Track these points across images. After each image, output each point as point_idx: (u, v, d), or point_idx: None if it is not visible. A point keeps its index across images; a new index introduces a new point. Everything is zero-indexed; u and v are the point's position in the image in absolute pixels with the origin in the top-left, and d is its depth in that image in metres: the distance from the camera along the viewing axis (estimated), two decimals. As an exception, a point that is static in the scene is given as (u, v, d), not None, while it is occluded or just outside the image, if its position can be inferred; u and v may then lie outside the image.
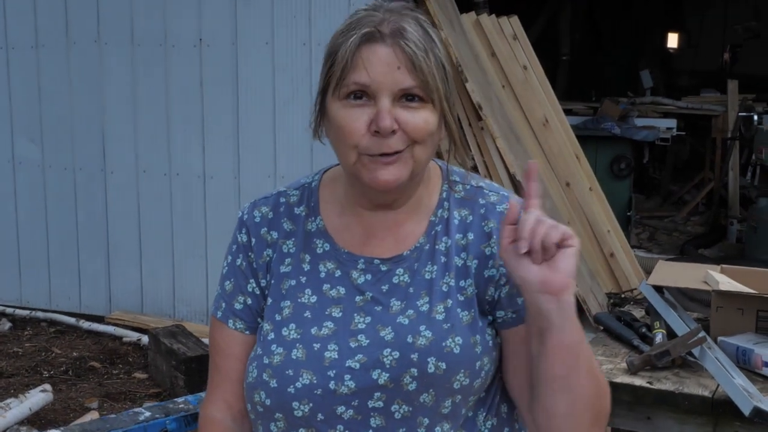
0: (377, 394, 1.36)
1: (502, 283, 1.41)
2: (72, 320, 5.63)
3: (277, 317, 1.44)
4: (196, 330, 5.05)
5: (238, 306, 1.50)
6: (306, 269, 1.47)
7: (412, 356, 1.36)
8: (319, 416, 1.38)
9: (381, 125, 1.33)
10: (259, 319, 1.49)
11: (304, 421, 1.39)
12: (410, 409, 1.37)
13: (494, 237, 1.42)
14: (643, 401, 2.20)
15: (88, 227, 5.79)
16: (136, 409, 2.41)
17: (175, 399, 2.47)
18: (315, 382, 1.37)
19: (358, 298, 1.42)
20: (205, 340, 4.84)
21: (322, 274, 1.46)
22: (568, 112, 6.20)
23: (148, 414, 2.36)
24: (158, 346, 4.72)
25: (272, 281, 1.48)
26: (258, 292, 1.50)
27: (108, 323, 5.56)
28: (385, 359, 1.36)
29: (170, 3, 5.40)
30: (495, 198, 1.47)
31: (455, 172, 1.51)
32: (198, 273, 5.55)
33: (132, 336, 5.33)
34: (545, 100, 5.78)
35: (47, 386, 4.12)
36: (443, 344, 1.36)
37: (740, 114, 6.78)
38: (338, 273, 1.45)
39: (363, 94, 1.35)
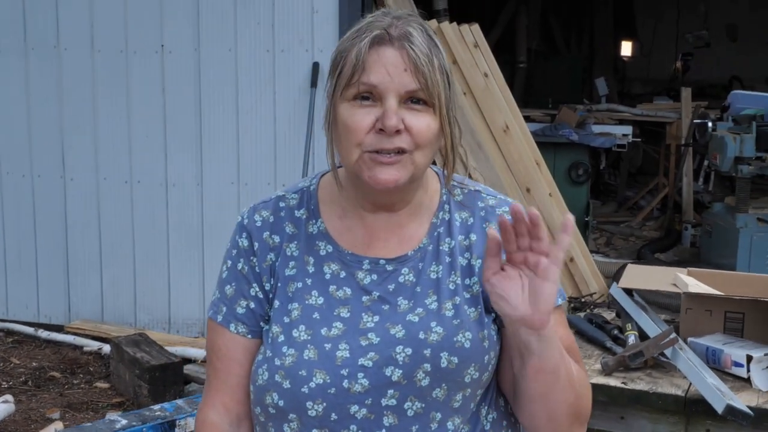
0: (390, 392, 1.40)
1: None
2: (30, 330, 5.56)
3: (286, 319, 1.46)
4: (159, 338, 5.02)
5: (240, 310, 1.51)
6: (311, 271, 1.49)
7: (425, 352, 1.40)
8: (333, 416, 1.40)
9: (387, 124, 1.36)
10: (262, 323, 1.51)
11: (318, 422, 1.41)
12: (423, 405, 1.41)
13: None
14: (618, 401, 2.26)
15: (46, 235, 5.72)
16: (113, 417, 2.40)
17: (151, 407, 2.46)
18: (328, 381, 1.40)
19: (365, 298, 1.45)
20: (170, 348, 4.82)
21: (327, 276, 1.48)
22: (526, 119, 6.27)
23: (124, 422, 2.35)
24: (121, 354, 4.69)
25: (278, 284, 1.49)
26: (261, 296, 1.51)
27: (68, 332, 5.50)
28: (398, 356, 1.40)
29: (131, 9, 5.37)
30: (493, 201, 1.52)
31: (453, 177, 1.54)
32: (160, 281, 5.52)
33: (93, 345, 5.27)
34: (506, 107, 5.85)
35: (9, 397, 4.07)
36: (454, 339, 1.41)
37: (695, 121, 6.91)
38: (343, 274, 1.48)
39: (370, 96, 1.39)
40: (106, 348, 5.09)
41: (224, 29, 5.23)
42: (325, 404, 1.40)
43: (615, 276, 6.02)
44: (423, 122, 1.39)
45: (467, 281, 1.46)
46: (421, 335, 1.40)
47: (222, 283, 1.54)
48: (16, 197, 5.76)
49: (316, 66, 5.07)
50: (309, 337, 1.43)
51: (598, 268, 6.13)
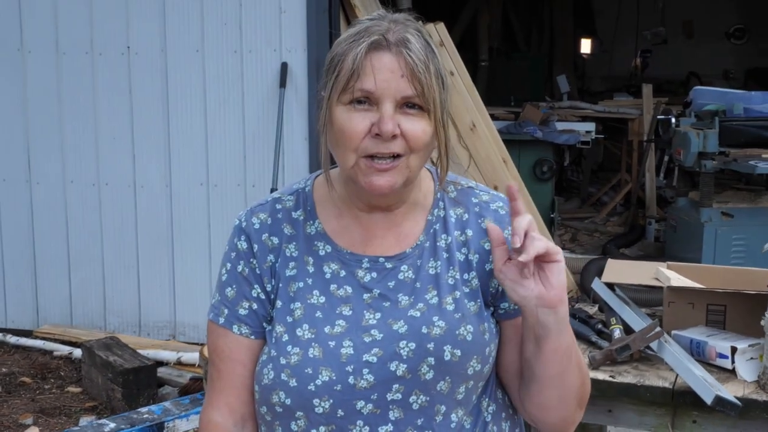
0: (395, 386, 1.42)
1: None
2: (-2, 335, 5.49)
3: (289, 319, 1.48)
4: (130, 341, 4.97)
5: (242, 312, 1.52)
6: (311, 271, 1.50)
7: (428, 346, 1.42)
8: (340, 412, 1.42)
9: (383, 129, 1.38)
10: (264, 324, 1.52)
11: (325, 418, 1.43)
12: (427, 398, 1.43)
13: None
14: (606, 394, 2.28)
15: (12, 239, 5.65)
16: (101, 421, 2.38)
17: (139, 410, 2.45)
18: (334, 378, 1.42)
19: (365, 296, 1.47)
20: (142, 352, 4.78)
21: (328, 275, 1.50)
22: (490, 117, 6.31)
23: (113, 425, 2.34)
24: (93, 358, 4.64)
25: (279, 285, 1.51)
26: (263, 297, 1.52)
27: (36, 337, 5.44)
28: (401, 351, 1.42)
29: (96, 10, 5.32)
30: (487, 197, 1.55)
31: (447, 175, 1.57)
32: (130, 283, 5.47)
33: (63, 349, 5.22)
34: (472, 106, 5.88)
35: (-18, 403, 4.01)
36: (456, 332, 1.43)
37: (658, 117, 6.99)
38: (343, 273, 1.49)
39: (366, 100, 1.40)
40: (77, 352, 5.03)
41: (191, 30, 5.20)
42: (331, 401, 1.42)
43: (582, 271, 6.09)
44: (418, 127, 1.40)
45: (466, 276, 1.49)
46: (424, 329, 1.43)
47: (222, 286, 1.55)
48: (-20, 202, 5.67)
49: (284, 66, 5.06)
50: (313, 336, 1.44)
51: (565, 264, 6.18)
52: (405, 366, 1.41)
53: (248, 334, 1.51)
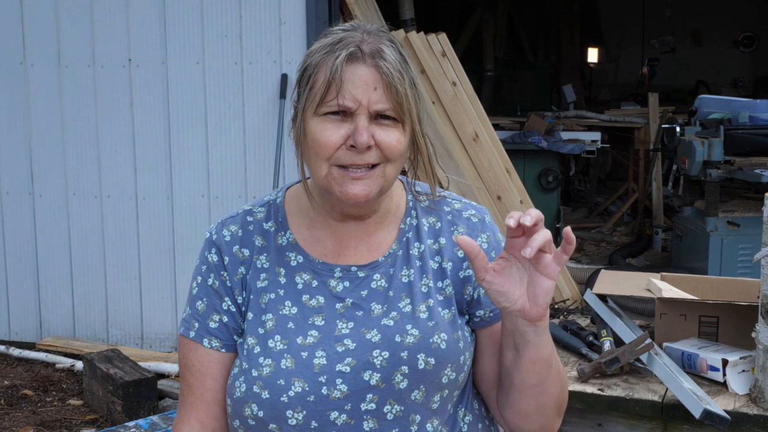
0: (369, 396, 1.40)
1: (477, 283, 1.46)
2: (1, 348, 5.49)
3: (261, 330, 1.47)
4: (132, 354, 4.97)
5: (213, 325, 1.51)
6: (282, 282, 1.49)
7: (402, 354, 1.41)
8: (313, 423, 1.41)
9: (358, 141, 1.38)
10: (235, 337, 1.51)
11: (298, 430, 1.41)
12: (402, 408, 1.42)
13: None
14: (595, 408, 2.25)
15: (16, 252, 5.65)
16: (89, 436, 2.37)
17: (126, 423, 2.44)
18: (307, 389, 1.40)
19: (338, 305, 1.46)
20: (144, 364, 4.78)
21: (300, 286, 1.49)
22: (495, 127, 6.28)
23: (99, 440, 2.33)
24: (93, 371, 4.63)
25: (251, 297, 1.50)
26: (234, 310, 1.51)
27: (39, 350, 5.44)
28: (375, 360, 1.41)
29: (98, 23, 5.33)
30: (459, 205, 1.55)
31: (418, 184, 1.57)
32: (132, 296, 5.47)
33: (65, 362, 5.21)
34: (475, 116, 5.86)
35: (-19, 416, 4.01)
36: (430, 341, 1.42)
37: (663, 126, 6.95)
38: (315, 283, 1.48)
39: (341, 112, 1.39)
40: (79, 365, 5.03)
41: (191, 42, 5.20)
42: (305, 412, 1.40)
43: (587, 282, 6.04)
44: (393, 137, 1.40)
45: (440, 284, 1.48)
46: (398, 338, 1.42)
47: (193, 300, 1.54)
48: (-17, 214, 5.69)
49: (284, 77, 5.06)
50: (285, 347, 1.43)
51: (570, 274, 6.15)
52: (379, 375, 1.40)
53: (219, 347, 1.50)
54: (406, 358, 1.40)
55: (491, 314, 1.48)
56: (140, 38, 5.28)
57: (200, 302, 1.53)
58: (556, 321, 2.80)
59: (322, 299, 1.47)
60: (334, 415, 1.40)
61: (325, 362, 1.41)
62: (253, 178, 5.18)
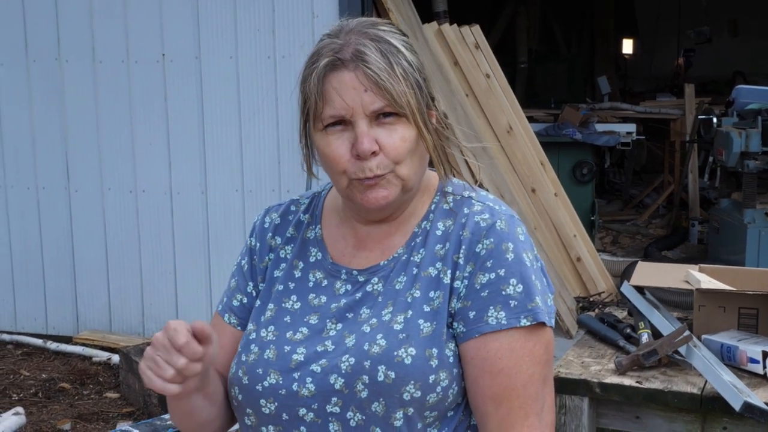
0: (334, 399, 1.38)
1: (462, 295, 1.39)
2: (39, 342, 5.55)
3: (261, 318, 1.50)
4: (168, 347, 4.99)
5: (235, 303, 1.57)
6: (297, 276, 1.51)
7: (365, 363, 1.36)
8: (284, 416, 1.41)
9: (360, 149, 1.35)
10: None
11: (271, 419, 1.43)
12: (363, 417, 1.37)
13: (463, 246, 1.41)
14: (633, 401, 2.23)
15: (52, 246, 5.71)
16: (124, 427, 2.39)
17: (162, 416, 2.45)
18: (280, 382, 1.41)
19: (333, 306, 1.45)
20: (178, 357, 4.79)
21: (311, 284, 1.50)
22: (529, 119, 6.24)
23: (136, 432, 2.35)
24: (130, 364, 4.67)
25: (265, 285, 1.54)
26: (254, 294, 1.56)
27: (76, 343, 5.49)
28: (342, 364, 1.38)
29: (131, 19, 5.36)
30: (478, 207, 1.45)
31: (452, 183, 1.49)
32: (167, 289, 5.50)
33: (102, 355, 5.26)
34: (508, 108, 5.83)
35: (19, 409, 4.05)
36: (395, 353, 1.35)
37: (699, 117, 6.88)
38: (325, 283, 1.49)
39: (341, 121, 1.37)
40: (115, 358, 5.07)
41: (224, 37, 5.22)
42: (276, 404, 1.41)
43: (622, 274, 6.00)
44: (396, 137, 1.36)
45: (431, 294, 1.40)
46: (366, 346, 1.37)
47: (230, 276, 1.61)
48: (21, 210, 5.75)
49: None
50: (274, 338, 1.45)
51: (605, 267, 6.11)
52: (342, 381, 1.37)
53: (236, 324, 1.55)
54: (368, 367, 1.35)
55: (463, 329, 1.39)
56: (173, 33, 5.31)
57: (233, 280, 1.59)
58: (592, 313, 2.78)
59: (324, 299, 1.47)
60: (302, 411, 1.40)
61: (302, 359, 1.40)
62: (287, 172, 5.19)
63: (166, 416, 2.42)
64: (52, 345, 5.48)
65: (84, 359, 5.30)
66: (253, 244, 1.58)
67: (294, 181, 5.13)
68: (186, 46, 5.29)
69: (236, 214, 5.30)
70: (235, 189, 5.30)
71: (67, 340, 5.57)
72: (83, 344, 5.45)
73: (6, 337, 5.70)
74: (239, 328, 1.54)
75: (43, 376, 5.08)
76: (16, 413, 4.00)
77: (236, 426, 1.55)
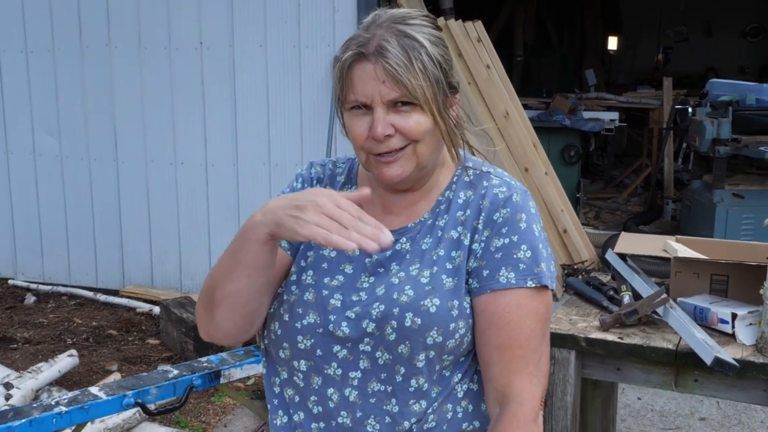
0: (366, 339, 1.39)
1: (478, 255, 1.41)
2: (90, 294, 5.58)
3: (302, 263, 1.48)
4: (202, 301, 5.00)
5: None
6: None
7: (394, 310, 1.37)
8: (318, 351, 1.41)
9: (374, 133, 1.35)
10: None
11: (305, 354, 1.42)
12: (390, 357, 1.39)
13: (483, 214, 1.42)
14: (615, 354, 2.22)
15: (102, 211, 5.72)
16: (165, 368, 2.38)
17: (199, 359, 2.45)
18: (318, 322, 1.41)
19: (366, 260, 1.45)
20: (211, 310, 4.81)
21: None
22: (523, 107, 6.20)
23: (176, 372, 2.34)
24: (169, 315, 4.69)
25: None
26: None
27: (122, 296, 5.52)
28: (373, 311, 1.38)
29: (173, 9, 5.33)
30: (497, 181, 1.45)
31: (471, 159, 1.50)
32: (201, 250, 5.51)
33: (144, 307, 5.28)
34: (506, 96, 5.79)
35: (73, 351, 4.07)
36: (421, 303, 1.37)
37: (676, 107, 6.81)
38: None
39: (363, 105, 1.37)
40: (156, 309, 5.09)
41: (255, 27, 5.19)
42: (312, 340, 1.41)
43: (604, 245, 5.98)
44: (412, 121, 1.35)
45: (453, 253, 1.41)
46: (395, 295, 1.38)
47: None
48: (75, 179, 5.76)
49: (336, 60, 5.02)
50: (313, 282, 1.44)
51: (588, 239, 6.09)
52: (374, 325, 1.38)
53: (286, 248, 1.50)
54: (396, 314, 1.36)
55: (477, 285, 1.39)
56: (210, 23, 5.28)
57: None
58: (579, 278, 2.76)
59: (357, 252, 1.41)
60: (336, 348, 1.40)
61: (339, 305, 1.41)
62: (309, 148, 5.17)
63: (203, 359, 2.41)
64: (101, 297, 5.51)
65: (129, 310, 5.32)
66: (298, 187, 1.54)
67: (315, 155, 5.11)
68: (221, 35, 5.26)
69: (263, 184, 5.30)
70: (262, 162, 5.29)
71: (114, 293, 5.59)
72: (128, 297, 5.48)
73: (62, 289, 5.73)
74: (289, 252, 1.50)
75: (94, 323, 5.10)
76: (71, 355, 4.02)
77: (259, 369, 1.52)
